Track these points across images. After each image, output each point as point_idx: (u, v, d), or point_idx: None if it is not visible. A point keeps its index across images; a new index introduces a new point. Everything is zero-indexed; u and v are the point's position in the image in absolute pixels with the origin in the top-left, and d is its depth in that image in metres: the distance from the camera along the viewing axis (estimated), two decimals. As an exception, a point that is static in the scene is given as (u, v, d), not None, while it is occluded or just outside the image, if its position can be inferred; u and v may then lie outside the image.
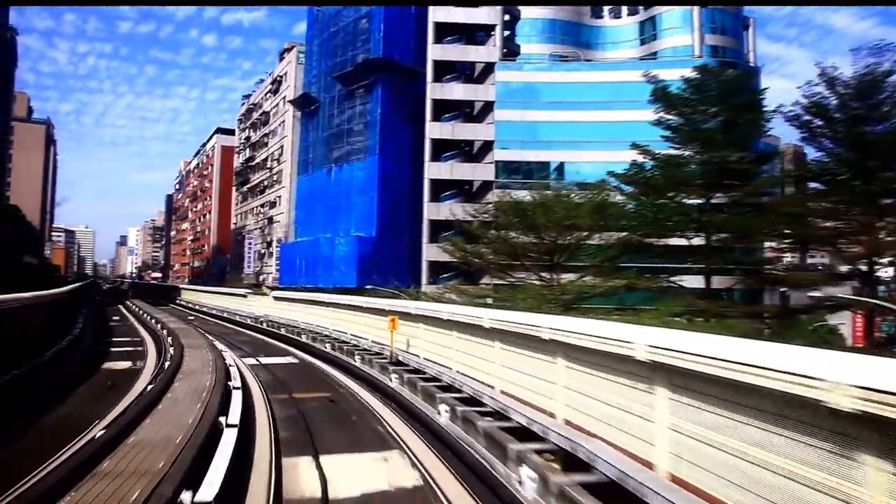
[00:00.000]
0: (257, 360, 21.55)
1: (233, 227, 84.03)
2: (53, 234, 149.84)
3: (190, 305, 62.78)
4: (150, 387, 14.12)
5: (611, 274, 24.13)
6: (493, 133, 47.07)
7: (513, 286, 26.54)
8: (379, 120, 47.22)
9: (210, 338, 25.59)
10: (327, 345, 23.75)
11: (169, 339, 23.72)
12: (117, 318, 43.10)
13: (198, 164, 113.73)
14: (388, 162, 47.04)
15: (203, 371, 15.53)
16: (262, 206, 68.74)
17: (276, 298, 34.84)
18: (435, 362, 15.81)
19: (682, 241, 27.51)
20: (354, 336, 23.16)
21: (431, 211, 45.55)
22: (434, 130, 46.63)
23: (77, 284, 45.41)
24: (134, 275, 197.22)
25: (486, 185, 46.43)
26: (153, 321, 35.63)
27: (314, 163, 54.36)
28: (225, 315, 46.30)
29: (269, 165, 67.03)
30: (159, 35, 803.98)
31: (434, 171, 46.30)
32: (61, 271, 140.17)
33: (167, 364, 17.36)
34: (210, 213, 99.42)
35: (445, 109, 48.03)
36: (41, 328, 22.33)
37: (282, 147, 63.22)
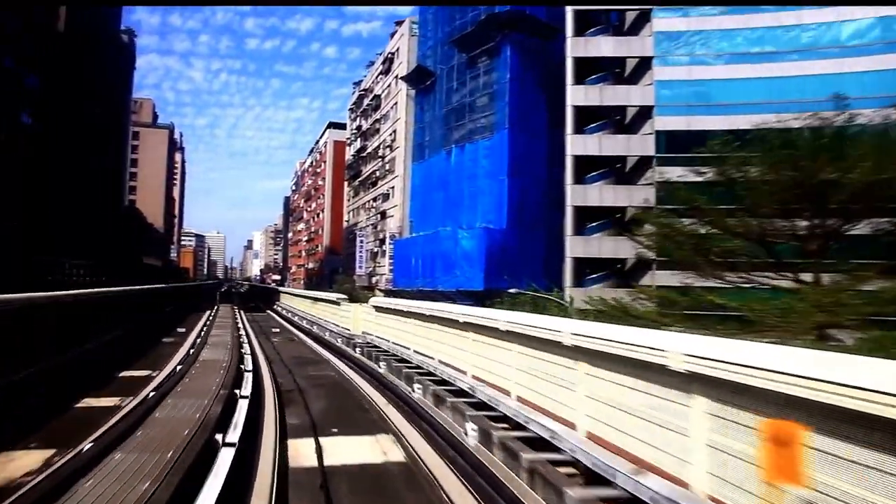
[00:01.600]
0: (316, 449, 10.40)
1: (345, 224, 79.80)
2: (183, 237, 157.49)
3: (284, 312, 54.91)
4: None
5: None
6: (651, 97, 37.24)
7: (740, 290, 17.15)
8: (508, 88, 39.02)
9: (259, 377, 16.31)
10: (469, 423, 9.73)
11: (179, 384, 14.18)
12: (182, 329, 33.41)
13: (311, 163, 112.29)
14: (519, 138, 38.70)
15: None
16: (374, 199, 63.01)
17: (377, 309, 22.61)
18: None
19: None
20: (525, 404, 9.79)
21: (576, 195, 36.59)
22: (577, 96, 37.63)
23: (143, 286, 40.15)
24: (257, 277, 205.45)
25: (643, 163, 36.75)
26: (211, 339, 26.59)
27: (430, 146, 47.33)
28: (315, 329, 34.99)
29: (380, 154, 61.08)
30: (283, 50, 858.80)
31: (578, 145, 37.28)
32: (190, 273, 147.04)
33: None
34: (323, 211, 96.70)
35: (589, 71, 38.85)
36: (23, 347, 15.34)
37: (394, 132, 56.90)
